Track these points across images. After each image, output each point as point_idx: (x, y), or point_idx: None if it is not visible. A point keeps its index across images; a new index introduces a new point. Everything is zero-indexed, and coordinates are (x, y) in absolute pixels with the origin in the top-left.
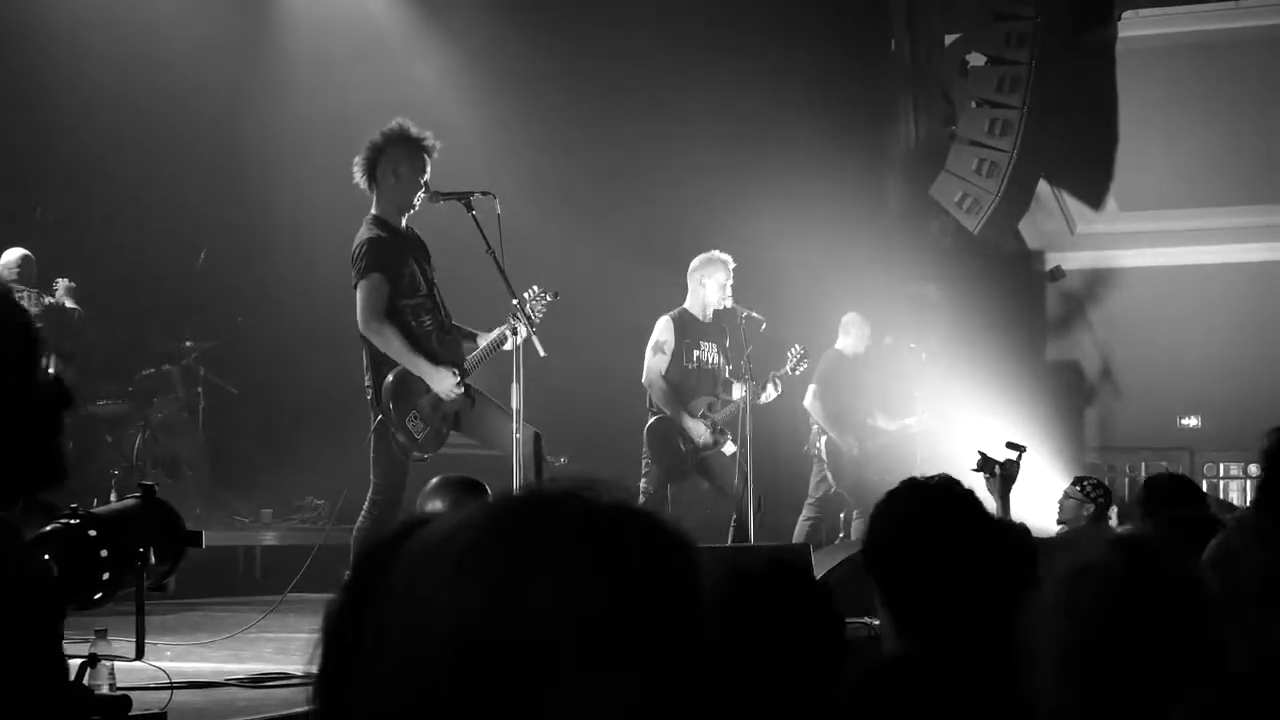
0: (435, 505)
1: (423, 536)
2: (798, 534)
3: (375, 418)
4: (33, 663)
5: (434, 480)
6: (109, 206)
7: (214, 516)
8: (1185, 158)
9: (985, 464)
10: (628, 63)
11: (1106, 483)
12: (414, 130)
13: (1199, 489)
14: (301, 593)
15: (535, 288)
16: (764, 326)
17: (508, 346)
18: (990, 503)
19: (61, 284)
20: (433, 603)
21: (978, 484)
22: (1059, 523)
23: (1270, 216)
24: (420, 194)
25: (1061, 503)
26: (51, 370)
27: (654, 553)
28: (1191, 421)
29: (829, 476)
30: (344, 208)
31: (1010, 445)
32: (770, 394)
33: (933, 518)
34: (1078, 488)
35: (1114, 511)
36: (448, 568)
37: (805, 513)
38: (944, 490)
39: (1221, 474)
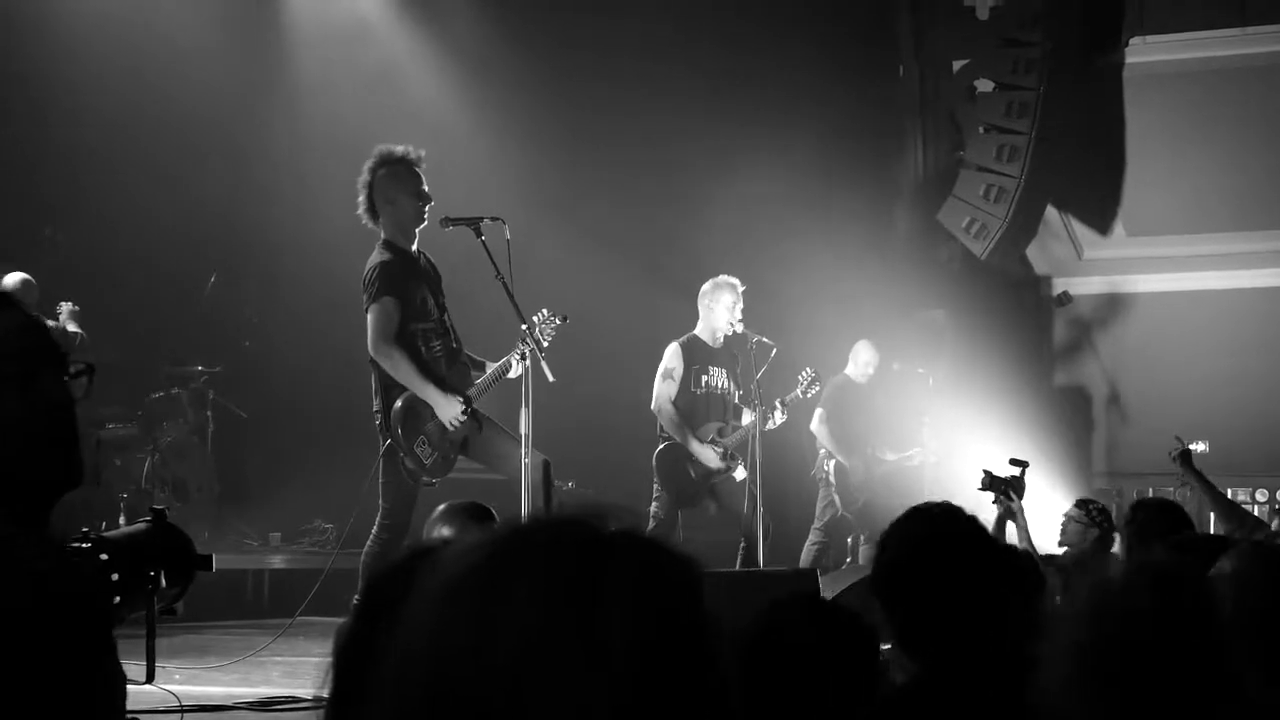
0: (442, 531)
1: (425, 567)
2: (804, 558)
3: (384, 442)
4: (82, 680)
5: (441, 506)
6: (118, 229)
7: (223, 539)
8: (1192, 183)
9: (993, 483)
10: (637, 89)
11: (1113, 508)
12: (396, 150)
13: (1184, 513)
14: (310, 616)
15: (544, 311)
16: (774, 352)
17: (515, 373)
18: (998, 522)
19: (65, 307)
20: (419, 633)
21: (985, 503)
22: (1061, 544)
23: (1276, 242)
24: (425, 207)
25: (1065, 525)
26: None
27: (650, 581)
28: (1199, 446)
29: (836, 501)
30: (354, 233)
31: (1013, 462)
32: (778, 419)
33: (937, 544)
34: (1082, 511)
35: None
36: (434, 599)
37: (812, 537)
38: (947, 517)
39: (1230, 499)
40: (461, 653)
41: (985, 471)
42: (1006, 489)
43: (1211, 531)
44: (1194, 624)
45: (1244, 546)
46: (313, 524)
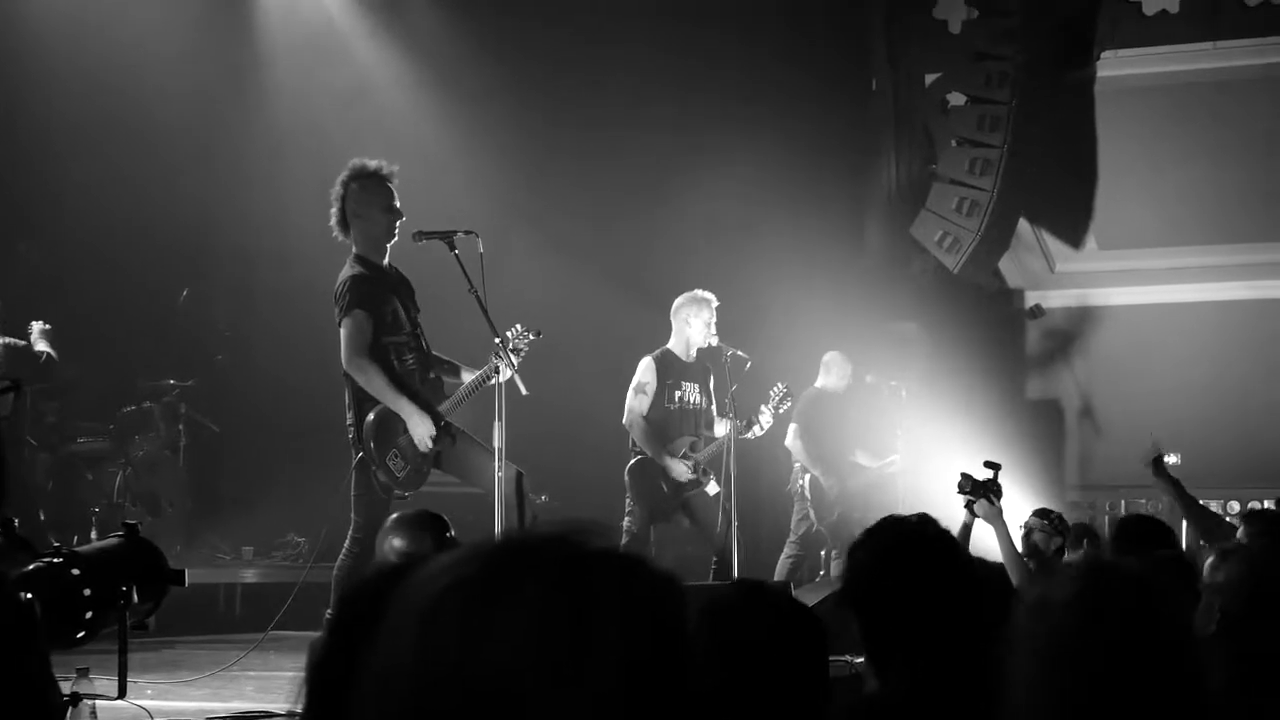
0: (394, 542)
1: (403, 582)
2: (779, 572)
3: (356, 455)
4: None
5: (393, 516)
6: (90, 242)
7: (195, 554)
8: (1164, 197)
9: (974, 487)
10: (609, 101)
11: (1087, 520)
12: (369, 165)
13: (1169, 529)
14: (283, 630)
15: (518, 326)
16: (749, 365)
17: (504, 376)
18: (982, 526)
19: (36, 327)
20: (403, 650)
21: (959, 513)
22: (1025, 555)
23: (1247, 255)
24: (397, 221)
25: (1028, 534)
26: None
27: (636, 598)
28: (1171, 459)
29: (811, 514)
30: (327, 245)
31: (987, 464)
32: (761, 427)
33: (907, 556)
34: (1045, 520)
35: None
36: (419, 615)
37: (787, 550)
38: (919, 529)
39: (1202, 506)
40: (448, 670)
41: (963, 475)
42: (986, 492)
43: (1184, 540)
44: (1135, 623)
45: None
46: (285, 538)
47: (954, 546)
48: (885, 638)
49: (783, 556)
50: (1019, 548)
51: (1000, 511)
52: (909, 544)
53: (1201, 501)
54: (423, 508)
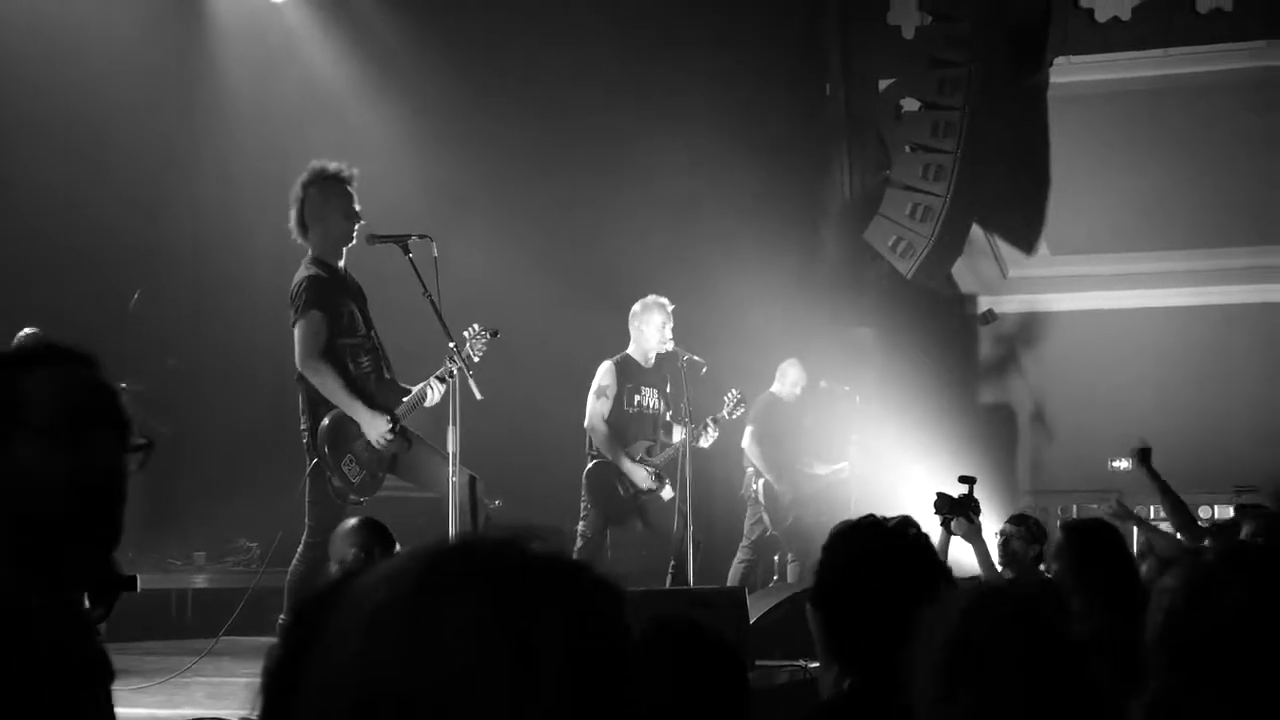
0: (349, 552)
1: (352, 590)
2: (732, 577)
3: (311, 460)
4: None
5: (349, 523)
6: (38, 242)
7: (146, 559)
8: (1116, 203)
9: (951, 505)
10: (561, 104)
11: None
12: (330, 167)
13: (1119, 533)
14: (235, 636)
15: (475, 326)
16: (704, 370)
17: (431, 401)
18: (961, 546)
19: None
20: (345, 659)
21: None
22: (1003, 564)
23: (1199, 261)
24: (355, 226)
25: (1005, 543)
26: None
27: (586, 608)
28: (1122, 464)
29: (765, 519)
30: (282, 246)
31: (962, 479)
32: (710, 437)
33: (887, 556)
34: (1022, 528)
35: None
36: (362, 623)
37: (740, 555)
38: (898, 532)
39: (1152, 516)
40: (390, 680)
41: (939, 494)
42: (965, 510)
43: (1134, 545)
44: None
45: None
46: (237, 543)
47: (932, 550)
48: (855, 639)
49: (735, 561)
50: (995, 557)
51: (979, 529)
52: (889, 544)
53: (1153, 510)
54: (367, 515)
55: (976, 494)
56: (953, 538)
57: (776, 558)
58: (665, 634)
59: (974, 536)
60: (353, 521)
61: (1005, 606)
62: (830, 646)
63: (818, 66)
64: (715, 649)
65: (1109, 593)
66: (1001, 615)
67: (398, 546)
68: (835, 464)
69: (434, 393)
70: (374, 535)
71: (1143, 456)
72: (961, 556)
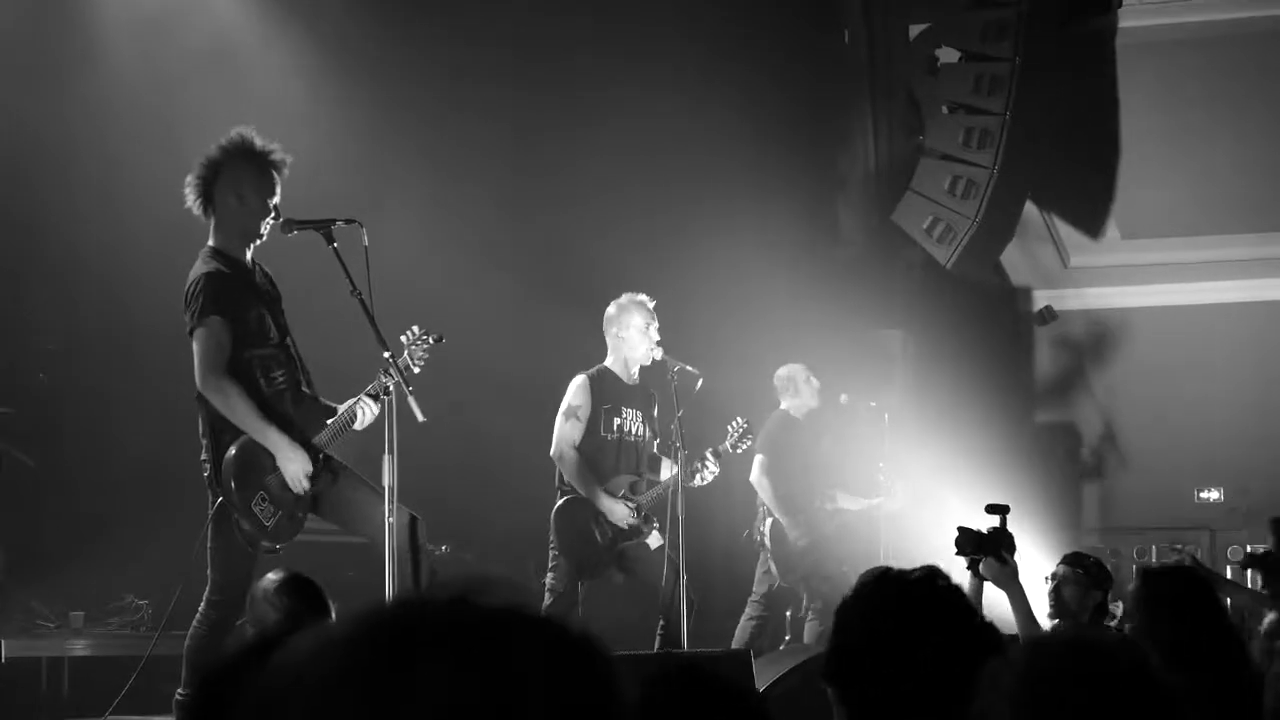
0: (269, 613)
1: (276, 668)
2: (739, 638)
3: (214, 499)
4: None
5: (270, 576)
6: None
7: (9, 621)
8: (1202, 174)
9: (979, 544)
10: (519, 54)
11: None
12: (259, 142)
13: (1207, 583)
14: (123, 715)
15: (414, 330)
16: (700, 383)
17: (361, 423)
18: (991, 589)
19: None
20: None
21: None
22: (1054, 616)
23: None
24: (269, 220)
25: (1056, 588)
26: None
27: (557, 675)
28: (1212, 495)
29: (773, 568)
30: (175, 243)
31: (991, 509)
32: (708, 474)
33: (912, 616)
34: (1078, 569)
35: (1119, 607)
36: (303, 703)
37: (748, 611)
38: (926, 585)
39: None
40: None
41: (961, 530)
42: (996, 548)
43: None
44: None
45: None
46: (124, 600)
47: (967, 605)
48: (877, 715)
49: (744, 619)
50: (1046, 609)
51: (1015, 572)
52: (913, 601)
53: (1249, 549)
54: (293, 571)
55: (1011, 527)
56: (984, 584)
57: (789, 613)
58: (672, 686)
59: (1008, 581)
60: (275, 577)
61: (1094, 660)
62: None
63: (833, 9)
64: (731, 698)
65: (1197, 653)
66: (1092, 672)
67: (332, 610)
68: (867, 496)
69: (365, 413)
70: (302, 597)
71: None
72: (999, 606)
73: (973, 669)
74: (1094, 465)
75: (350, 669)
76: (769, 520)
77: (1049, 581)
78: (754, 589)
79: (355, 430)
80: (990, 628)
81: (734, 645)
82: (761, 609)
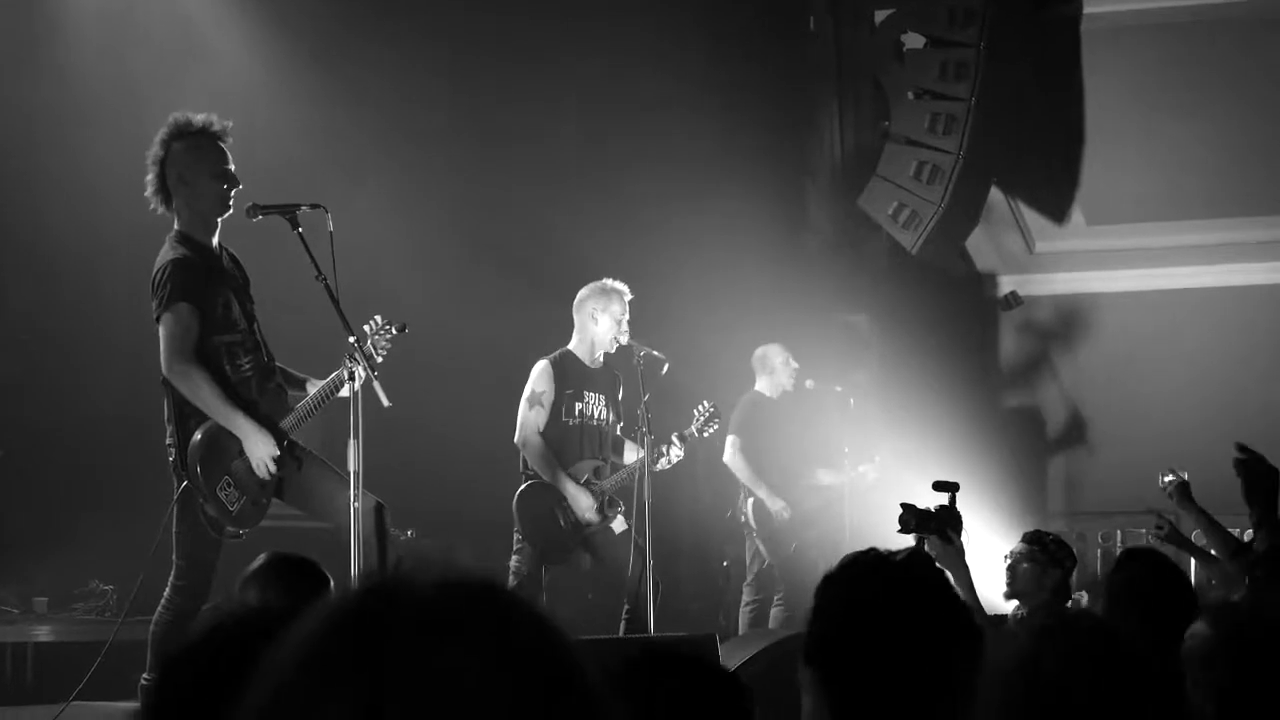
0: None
1: (263, 667)
2: (741, 625)
3: (179, 484)
4: None
5: (260, 559)
6: None
7: None
8: (1168, 160)
9: (920, 522)
10: (484, 34)
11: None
12: (196, 120)
13: (1177, 568)
14: (88, 700)
15: (377, 319)
16: (666, 368)
17: (343, 393)
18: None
19: None
20: None
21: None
22: (1010, 595)
23: (1265, 230)
24: (231, 191)
25: (1014, 566)
26: None
27: (524, 655)
28: (1172, 477)
29: (761, 549)
30: (143, 226)
31: (939, 486)
32: (673, 457)
33: (893, 600)
34: (1036, 547)
35: (1084, 596)
36: (287, 703)
37: (745, 596)
38: (907, 568)
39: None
40: None
41: (905, 507)
42: (942, 527)
43: (1192, 577)
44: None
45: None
46: (89, 585)
47: (951, 591)
48: (859, 703)
49: (742, 606)
50: (1004, 589)
51: (960, 552)
52: (894, 585)
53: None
54: (292, 551)
55: (976, 511)
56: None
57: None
58: (648, 669)
59: (952, 562)
60: (279, 558)
61: (1085, 642)
62: (830, 711)
63: None
64: (716, 680)
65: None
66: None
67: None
68: (849, 468)
69: (349, 384)
70: (301, 575)
71: (1182, 491)
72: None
73: (953, 652)
74: (1059, 449)
75: (328, 657)
76: (750, 500)
77: (1006, 559)
78: (746, 572)
79: (328, 406)
80: (968, 611)
81: (739, 633)
82: (756, 592)
